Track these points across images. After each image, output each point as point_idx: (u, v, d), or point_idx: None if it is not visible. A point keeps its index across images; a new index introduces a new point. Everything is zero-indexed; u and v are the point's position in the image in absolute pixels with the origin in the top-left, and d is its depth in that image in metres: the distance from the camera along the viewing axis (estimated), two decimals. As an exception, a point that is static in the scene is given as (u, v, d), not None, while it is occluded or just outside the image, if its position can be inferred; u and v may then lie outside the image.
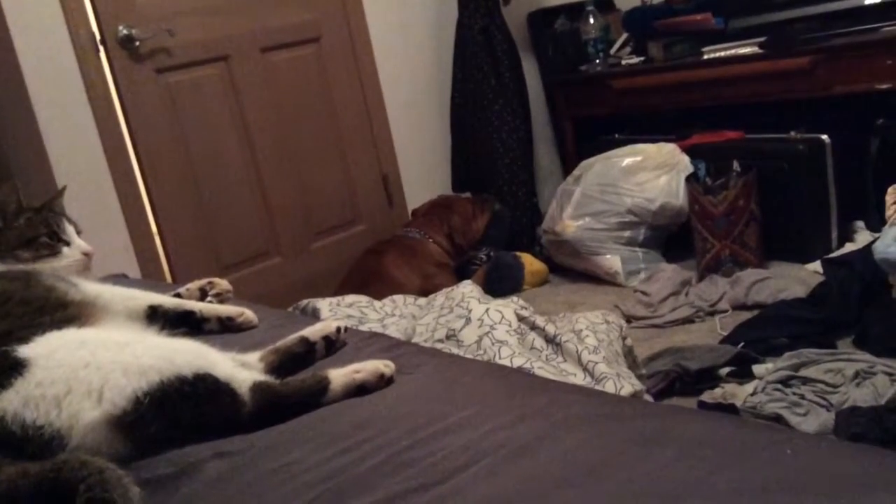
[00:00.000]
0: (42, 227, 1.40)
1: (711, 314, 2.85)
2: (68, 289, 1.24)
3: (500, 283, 3.37)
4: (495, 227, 3.68)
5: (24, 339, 1.06)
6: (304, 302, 2.59)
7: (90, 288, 1.28)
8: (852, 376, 2.09)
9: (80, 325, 1.15)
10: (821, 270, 2.84)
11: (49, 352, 1.04)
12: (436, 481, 0.93)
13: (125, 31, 2.95)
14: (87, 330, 1.14)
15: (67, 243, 1.42)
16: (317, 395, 1.15)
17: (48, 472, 0.90)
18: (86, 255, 1.44)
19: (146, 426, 1.02)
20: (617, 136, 3.73)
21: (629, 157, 3.37)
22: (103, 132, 2.92)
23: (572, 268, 3.51)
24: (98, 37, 2.92)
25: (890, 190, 2.43)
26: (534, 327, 2.17)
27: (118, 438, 1.01)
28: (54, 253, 1.39)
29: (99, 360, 1.03)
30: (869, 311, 2.47)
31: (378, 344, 1.39)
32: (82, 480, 0.88)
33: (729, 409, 2.13)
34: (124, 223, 2.98)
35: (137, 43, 2.98)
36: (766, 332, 2.51)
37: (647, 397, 2.07)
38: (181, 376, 1.05)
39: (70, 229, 1.44)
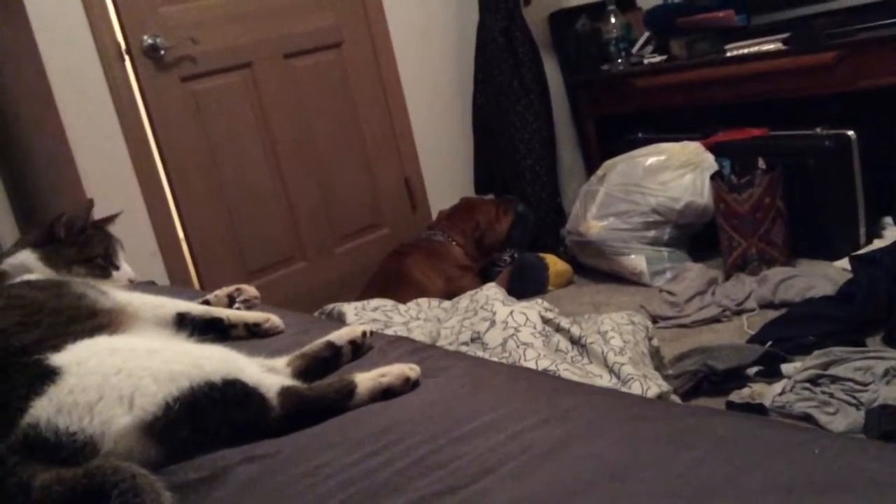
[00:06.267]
0: (99, 248, 1.45)
1: (738, 313, 2.82)
2: (98, 297, 1.26)
3: (525, 285, 3.36)
4: (519, 229, 3.68)
5: (57, 347, 1.08)
6: (330, 306, 2.61)
7: (120, 296, 1.30)
8: (882, 374, 2.07)
9: (110, 332, 1.16)
10: (849, 267, 2.81)
11: (81, 359, 1.06)
12: (463, 484, 0.94)
13: (150, 41, 2.99)
14: (117, 337, 1.16)
15: (117, 267, 1.48)
16: (343, 399, 1.16)
17: (81, 478, 0.92)
18: (130, 281, 1.49)
19: (177, 431, 1.04)
20: (640, 135, 3.71)
21: (653, 156, 3.36)
22: (130, 140, 2.96)
23: (597, 268, 3.50)
24: (123, 46, 2.95)
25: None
26: (559, 329, 2.17)
27: (149, 444, 1.02)
28: (106, 275, 1.45)
29: (130, 367, 1.05)
30: (898, 308, 2.44)
31: (403, 347, 1.39)
32: (115, 486, 0.90)
33: (757, 408, 2.11)
34: (152, 230, 3.01)
35: (162, 52, 3.01)
36: (794, 330, 2.49)
37: (674, 398, 2.07)
38: (210, 382, 1.07)
39: (121, 254, 1.49)
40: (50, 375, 1.03)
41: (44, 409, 1.00)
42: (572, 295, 3.40)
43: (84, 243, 1.44)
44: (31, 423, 0.99)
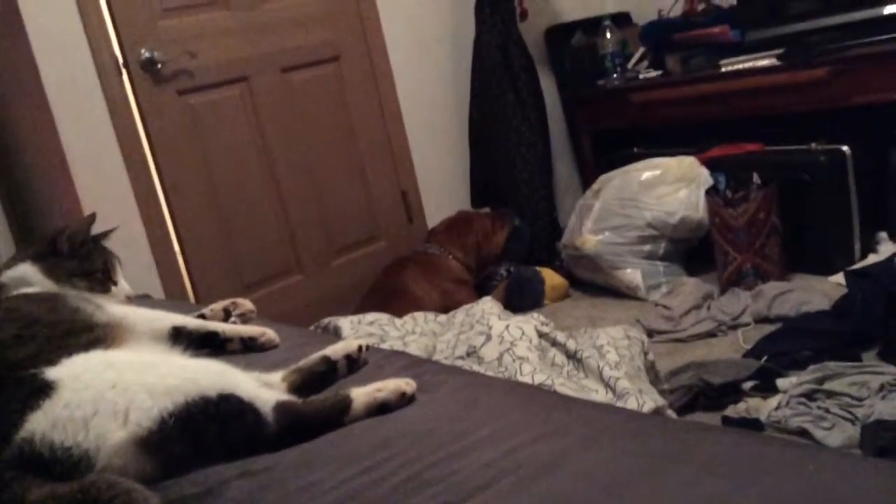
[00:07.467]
0: (99, 263, 1.45)
1: (734, 328, 2.83)
2: (94, 311, 1.26)
3: (521, 299, 3.37)
4: (515, 243, 3.68)
5: (52, 362, 1.08)
6: (326, 320, 2.61)
7: (115, 310, 1.30)
8: (877, 389, 2.07)
9: (106, 346, 1.16)
10: (844, 282, 2.81)
11: (76, 374, 1.06)
12: (458, 499, 0.93)
13: (147, 54, 2.99)
14: (113, 352, 1.16)
15: (115, 283, 1.47)
16: (339, 414, 1.16)
17: (76, 493, 0.92)
18: (128, 297, 1.48)
19: (172, 446, 1.04)
20: (635, 149, 3.73)
21: (648, 170, 3.37)
22: (126, 153, 2.96)
23: (593, 282, 3.50)
24: (121, 59, 2.96)
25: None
26: (555, 343, 2.16)
27: (144, 459, 1.02)
28: (105, 290, 1.44)
29: (125, 382, 1.05)
30: (894, 322, 2.44)
31: (399, 362, 1.39)
32: (110, 501, 0.90)
33: (753, 423, 2.11)
34: (148, 243, 3.01)
35: (159, 65, 3.02)
36: (789, 345, 2.49)
37: (670, 412, 2.06)
38: (206, 397, 1.06)
39: (119, 270, 1.49)
40: (45, 389, 1.03)
41: (39, 424, 1.00)
42: (568, 309, 3.40)
43: (85, 257, 1.44)
44: (26, 437, 0.99)
